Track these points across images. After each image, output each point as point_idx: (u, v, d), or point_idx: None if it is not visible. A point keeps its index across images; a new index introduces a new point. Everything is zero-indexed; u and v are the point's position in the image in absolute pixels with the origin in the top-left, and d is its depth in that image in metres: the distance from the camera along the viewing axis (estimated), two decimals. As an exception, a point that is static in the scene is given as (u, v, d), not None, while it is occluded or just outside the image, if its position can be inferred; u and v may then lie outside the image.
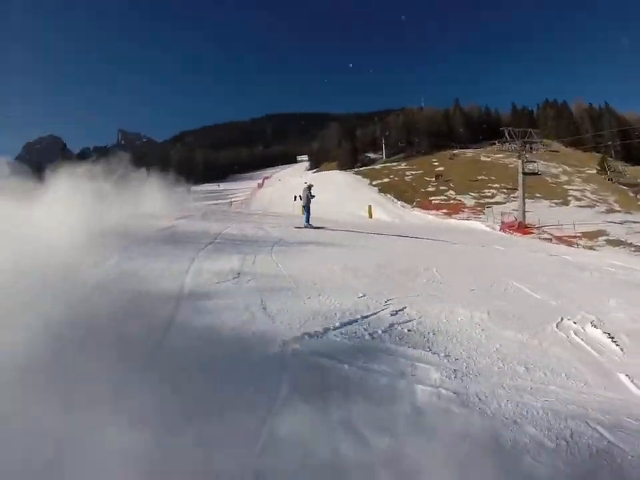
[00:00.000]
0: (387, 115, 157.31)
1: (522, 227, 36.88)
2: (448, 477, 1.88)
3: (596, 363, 3.54)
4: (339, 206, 40.49)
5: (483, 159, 69.29)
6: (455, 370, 3.00)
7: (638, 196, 65.51)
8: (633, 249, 32.83)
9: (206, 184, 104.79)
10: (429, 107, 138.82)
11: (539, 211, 50.37)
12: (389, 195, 55.60)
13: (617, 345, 3.98)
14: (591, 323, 4.47)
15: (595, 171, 78.07)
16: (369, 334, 3.55)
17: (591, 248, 30.26)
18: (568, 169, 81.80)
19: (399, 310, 4.23)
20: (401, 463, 1.97)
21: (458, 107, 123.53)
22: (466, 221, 37.54)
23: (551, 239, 33.15)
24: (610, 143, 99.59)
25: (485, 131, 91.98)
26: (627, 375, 3.26)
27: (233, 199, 59.37)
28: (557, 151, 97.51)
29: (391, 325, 3.79)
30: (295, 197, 15.21)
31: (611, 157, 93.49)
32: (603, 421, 2.51)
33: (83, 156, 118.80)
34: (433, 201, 53.42)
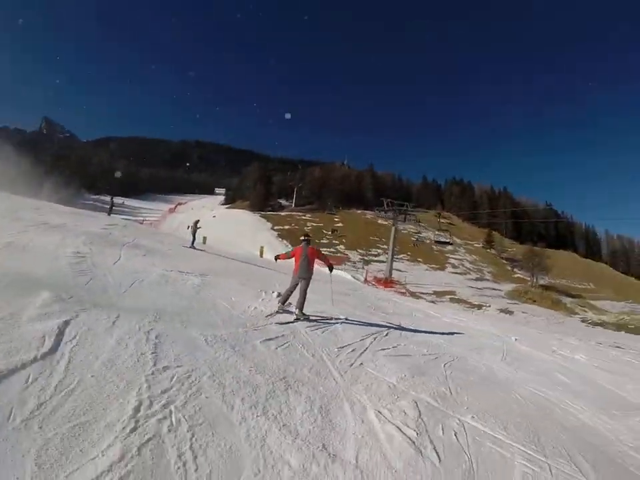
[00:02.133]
0: (311, 165, 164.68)
1: (387, 282, 43.31)
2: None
3: (258, 295, 9.57)
4: (237, 242, 45.82)
5: (380, 222, 76.98)
6: (203, 278, 9.41)
7: (514, 269, 75.92)
8: (467, 305, 40.65)
9: (121, 197, 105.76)
10: (348, 165, 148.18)
11: (414, 272, 57.88)
12: (284, 241, 60.57)
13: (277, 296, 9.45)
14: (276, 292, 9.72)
15: (481, 245, 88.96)
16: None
17: (432, 302, 37.47)
18: (458, 240, 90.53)
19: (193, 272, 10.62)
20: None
21: (372, 171, 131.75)
22: (338, 271, 42.81)
23: (404, 293, 39.99)
24: (503, 222, 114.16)
25: (393, 197, 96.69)
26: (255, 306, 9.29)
27: (145, 218, 62.79)
28: (454, 224, 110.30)
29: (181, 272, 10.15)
30: (188, 226, 20.21)
31: (503, 235, 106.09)
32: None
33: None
34: (323, 251, 59.22)
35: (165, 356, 4.30)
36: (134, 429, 2.78)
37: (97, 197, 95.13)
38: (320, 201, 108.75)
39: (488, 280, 65.11)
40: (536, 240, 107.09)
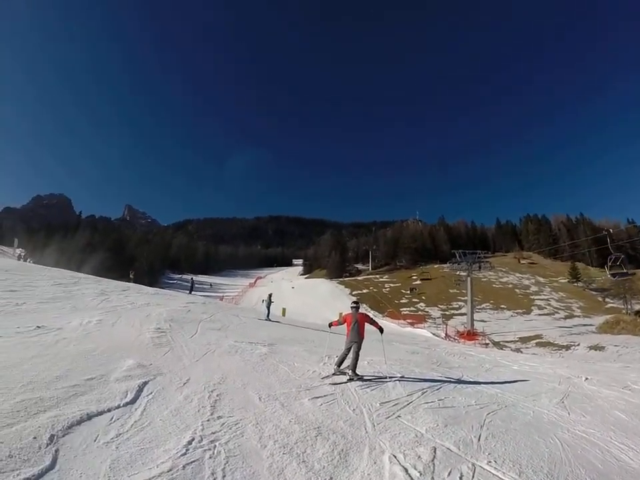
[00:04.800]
0: (384, 226, 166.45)
1: (469, 334, 42.76)
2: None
3: (321, 360, 10.34)
4: (316, 311, 46.84)
5: (460, 272, 76.72)
6: (271, 347, 10.24)
7: (606, 299, 70.92)
8: (554, 347, 38.48)
9: (202, 275, 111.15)
10: (420, 221, 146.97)
11: (498, 319, 56.09)
12: (364, 305, 59.93)
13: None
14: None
15: (567, 280, 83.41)
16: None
17: (517, 349, 36.48)
18: (541, 279, 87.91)
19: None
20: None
21: (443, 223, 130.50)
22: (417, 329, 42.83)
23: (487, 344, 38.92)
24: (586, 250, 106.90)
25: (469, 246, 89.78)
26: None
27: (224, 295, 65.58)
28: (535, 262, 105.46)
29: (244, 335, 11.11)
30: (263, 300, 20.96)
31: (588, 265, 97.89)
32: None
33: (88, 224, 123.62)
34: (403, 312, 58.52)
35: (221, 408, 5.30)
36: (184, 454, 3.80)
37: (180, 276, 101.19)
38: (395, 261, 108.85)
39: (578, 316, 61.20)
40: (625, 263, 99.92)
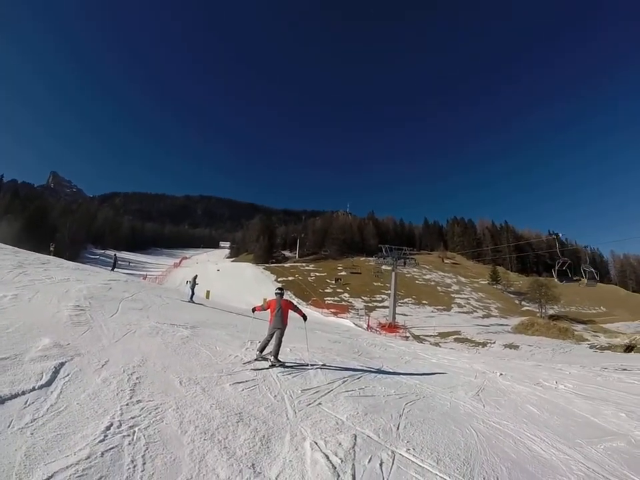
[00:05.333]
0: (314, 215, 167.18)
1: (390, 327, 43.58)
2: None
3: (243, 345, 10.43)
4: (241, 295, 46.35)
5: (384, 267, 78.55)
6: (193, 330, 10.17)
7: (522, 302, 75.50)
8: (471, 344, 40.08)
9: (126, 252, 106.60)
10: (350, 213, 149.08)
11: (419, 314, 57.53)
12: (289, 292, 59.59)
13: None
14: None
15: (487, 282, 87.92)
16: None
17: (436, 344, 37.66)
18: (463, 279, 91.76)
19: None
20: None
21: (372, 218, 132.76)
22: (340, 319, 42.86)
23: (408, 337, 40.03)
24: (507, 256, 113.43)
25: (397, 241, 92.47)
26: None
27: (147, 273, 63.37)
28: (458, 263, 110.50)
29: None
30: (187, 281, 20.73)
31: (508, 269, 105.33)
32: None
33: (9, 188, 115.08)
34: (327, 301, 58.49)
35: (141, 392, 5.18)
36: (102, 440, 3.69)
37: (103, 251, 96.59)
38: (322, 251, 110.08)
39: (495, 316, 64.28)
40: (542, 270, 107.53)
